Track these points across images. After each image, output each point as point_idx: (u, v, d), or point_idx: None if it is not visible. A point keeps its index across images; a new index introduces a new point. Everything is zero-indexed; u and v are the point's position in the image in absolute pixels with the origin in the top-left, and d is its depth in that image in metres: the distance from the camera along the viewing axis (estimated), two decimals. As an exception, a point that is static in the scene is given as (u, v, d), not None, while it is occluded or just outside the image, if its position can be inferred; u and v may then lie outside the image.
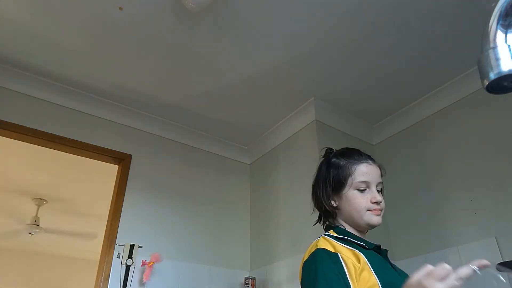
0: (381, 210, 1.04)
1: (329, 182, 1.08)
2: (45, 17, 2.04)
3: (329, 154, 1.17)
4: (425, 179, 2.47)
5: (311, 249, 0.98)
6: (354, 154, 1.09)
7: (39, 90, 2.50)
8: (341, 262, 0.90)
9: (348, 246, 0.97)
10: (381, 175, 1.10)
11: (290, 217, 2.62)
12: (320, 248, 0.95)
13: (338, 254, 0.92)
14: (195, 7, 1.84)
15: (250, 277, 2.61)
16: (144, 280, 2.31)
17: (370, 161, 1.08)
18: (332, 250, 0.93)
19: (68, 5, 1.96)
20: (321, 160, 1.18)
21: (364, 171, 1.05)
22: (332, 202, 1.08)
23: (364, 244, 1.00)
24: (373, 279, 0.88)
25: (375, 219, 1.02)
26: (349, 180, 1.04)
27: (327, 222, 1.12)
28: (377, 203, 1.03)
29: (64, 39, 2.18)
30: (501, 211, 2.03)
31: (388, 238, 2.54)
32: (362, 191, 1.03)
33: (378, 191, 1.06)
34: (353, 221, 1.05)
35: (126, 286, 2.25)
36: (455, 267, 1.03)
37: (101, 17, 2.03)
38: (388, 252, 1.08)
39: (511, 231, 1.95)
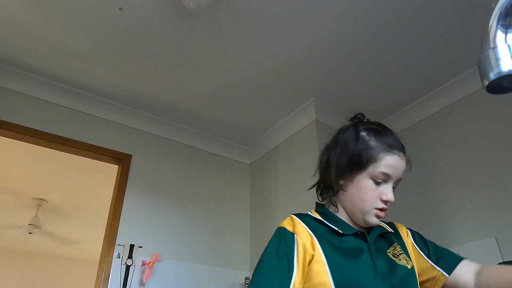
0: (386, 210, 0.91)
1: (347, 156, 0.91)
2: (45, 17, 2.04)
3: (359, 121, 0.99)
4: (425, 179, 2.47)
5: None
6: (388, 138, 0.91)
7: (39, 90, 2.50)
8: (294, 243, 0.85)
9: (313, 231, 0.88)
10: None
11: (290, 217, 2.62)
12: (280, 226, 0.91)
13: (295, 234, 0.86)
14: (195, 7, 1.84)
15: (250, 277, 2.61)
16: (144, 280, 2.31)
17: (401, 154, 0.90)
18: (291, 229, 0.88)
19: (68, 5, 1.96)
20: (347, 123, 1.01)
21: (391, 164, 0.88)
22: (341, 180, 0.93)
23: (337, 229, 0.89)
24: (324, 276, 0.80)
25: (375, 220, 0.90)
26: (371, 167, 0.88)
27: (322, 196, 1.00)
28: (386, 202, 0.89)
29: (64, 39, 2.18)
30: (501, 211, 2.03)
31: (388, 238, 2.54)
32: (377, 183, 0.89)
33: (394, 187, 0.92)
34: (351, 210, 0.92)
35: (126, 286, 2.25)
36: None
37: (101, 17, 2.03)
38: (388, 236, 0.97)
39: (511, 231, 1.95)
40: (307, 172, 2.57)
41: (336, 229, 0.89)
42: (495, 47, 0.51)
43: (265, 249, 0.88)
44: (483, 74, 0.51)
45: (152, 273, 2.36)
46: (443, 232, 2.24)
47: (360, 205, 0.89)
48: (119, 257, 2.32)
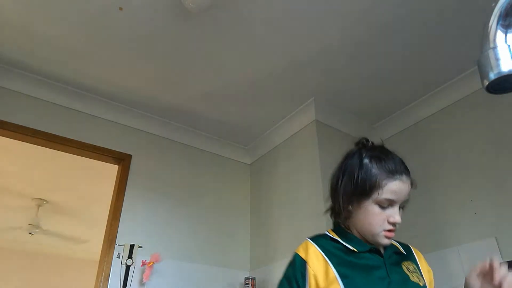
0: (395, 231, 0.96)
1: (352, 184, 0.97)
2: (45, 17, 2.04)
3: (363, 147, 1.04)
4: (425, 179, 2.47)
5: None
6: (390, 164, 0.95)
7: (39, 90, 2.50)
8: (306, 271, 0.94)
9: (328, 254, 0.95)
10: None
11: (290, 217, 2.62)
12: (295, 253, 1.01)
13: (306, 263, 0.95)
14: (195, 7, 1.84)
15: (250, 277, 2.61)
16: (144, 280, 2.31)
17: (404, 177, 0.95)
18: (303, 257, 0.96)
19: (68, 5, 1.96)
20: (354, 148, 1.05)
21: (393, 190, 0.93)
22: (349, 206, 0.98)
23: (353, 249, 0.96)
24: None
25: (386, 241, 0.96)
26: (375, 194, 0.94)
27: (336, 219, 1.06)
28: (394, 224, 0.94)
29: (64, 39, 2.18)
30: (501, 211, 2.03)
31: (388, 238, 2.54)
32: (383, 207, 0.94)
33: (401, 207, 0.97)
34: (362, 232, 0.98)
35: (126, 286, 2.25)
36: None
37: (101, 17, 2.03)
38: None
39: (511, 231, 1.95)
40: (307, 172, 2.58)
41: (352, 248, 0.97)
42: (495, 47, 0.51)
43: (282, 275, 1.00)
44: (483, 74, 0.52)
45: (152, 273, 2.36)
46: (443, 232, 2.24)
47: (369, 228, 0.96)
48: (119, 257, 2.32)
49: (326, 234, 1.04)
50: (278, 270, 2.56)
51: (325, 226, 2.29)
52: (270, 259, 2.68)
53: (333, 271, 0.91)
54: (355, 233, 1.00)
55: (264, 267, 2.71)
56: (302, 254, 0.98)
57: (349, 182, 0.98)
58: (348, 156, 1.04)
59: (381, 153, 0.99)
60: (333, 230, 1.05)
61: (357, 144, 1.06)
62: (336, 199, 1.01)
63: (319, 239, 1.01)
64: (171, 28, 2.09)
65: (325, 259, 0.94)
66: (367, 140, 1.05)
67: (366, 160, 0.98)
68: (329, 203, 1.06)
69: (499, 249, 1.96)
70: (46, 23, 2.08)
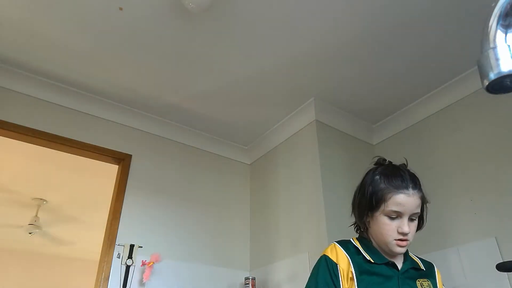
0: (407, 241, 1.05)
1: (364, 198, 1.11)
2: (45, 17, 2.04)
3: (379, 165, 1.16)
4: (425, 179, 2.45)
5: (321, 253, 1.12)
6: (396, 179, 1.07)
7: (39, 90, 2.50)
8: (338, 272, 1.04)
9: (351, 258, 1.06)
10: (422, 204, 1.08)
11: (290, 217, 2.62)
12: (325, 254, 1.09)
13: (338, 265, 1.05)
14: (195, 7, 1.84)
15: (250, 277, 2.61)
16: (144, 280, 2.31)
17: (410, 191, 1.05)
18: (334, 259, 1.06)
19: (68, 5, 1.96)
20: (371, 167, 1.17)
21: (398, 202, 1.04)
22: (365, 218, 1.12)
23: (369, 259, 1.07)
24: None
25: (398, 249, 1.05)
26: (382, 206, 1.05)
27: (359, 231, 1.19)
28: (403, 234, 1.04)
29: (64, 39, 2.18)
30: (501, 211, 2.03)
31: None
32: (392, 218, 1.05)
33: (412, 219, 1.06)
34: (378, 242, 1.10)
35: (126, 286, 2.25)
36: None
37: (101, 17, 2.03)
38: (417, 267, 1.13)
39: (511, 231, 1.95)
40: (307, 172, 2.58)
41: (370, 259, 1.07)
42: (495, 47, 0.51)
43: (315, 276, 1.07)
44: (483, 74, 0.51)
45: (152, 273, 2.36)
46: (443, 232, 2.24)
47: (382, 238, 1.07)
48: (119, 257, 2.32)
49: (351, 241, 1.14)
50: (278, 270, 2.56)
51: (326, 226, 2.29)
52: (270, 259, 2.68)
53: (352, 272, 1.03)
54: (374, 244, 1.11)
55: (264, 267, 2.71)
56: (332, 257, 1.08)
57: (362, 196, 1.12)
58: (366, 174, 1.17)
59: (390, 171, 1.10)
60: (357, 239, 1.16)
61: (376, 163, 1.18)
62: (355, 212, 1.15)
63: (345, 245, 1.11)
64: (171, 28, 2.09)
65: (349, 262, 1.05)
66: (384, 160, 1.18)
67: (376, 177, 1.10)
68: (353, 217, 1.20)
69: (499, 249, 1.96)
70: (45, 23, 2.07)
